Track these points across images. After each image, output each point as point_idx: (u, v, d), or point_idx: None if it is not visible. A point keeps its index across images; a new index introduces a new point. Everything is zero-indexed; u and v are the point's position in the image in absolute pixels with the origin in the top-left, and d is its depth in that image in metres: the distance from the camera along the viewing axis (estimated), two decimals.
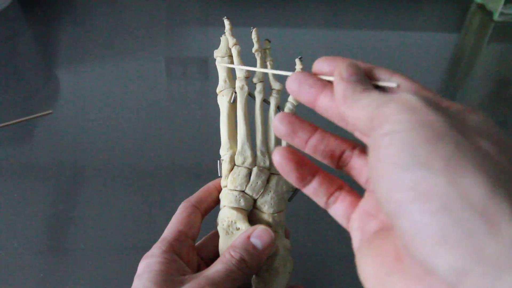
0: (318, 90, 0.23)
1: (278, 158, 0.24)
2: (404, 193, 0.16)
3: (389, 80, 0.21)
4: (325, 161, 0.25)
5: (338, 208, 0.25)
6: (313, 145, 0.24)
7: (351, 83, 0.21)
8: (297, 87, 0.24)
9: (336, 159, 0.24)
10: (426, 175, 0.16)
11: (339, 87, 0.21)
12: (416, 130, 0.17)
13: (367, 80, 0.21)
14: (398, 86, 0.21)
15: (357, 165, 0.24)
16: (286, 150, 0.24)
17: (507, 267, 0.14)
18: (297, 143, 0.24)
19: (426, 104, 0.18)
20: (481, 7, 0.96)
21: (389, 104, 0.18)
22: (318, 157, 0.25)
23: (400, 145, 0.17)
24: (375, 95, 0.20)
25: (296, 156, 0.24)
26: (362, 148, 0.24)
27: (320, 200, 0.25)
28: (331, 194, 0.25)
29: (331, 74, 0.23)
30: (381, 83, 0.21)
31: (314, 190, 0.25)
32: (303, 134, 0.24)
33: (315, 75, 0.24)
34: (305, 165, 0.24)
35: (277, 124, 0.24)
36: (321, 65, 0.24)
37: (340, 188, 0.25)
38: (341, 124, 0.22)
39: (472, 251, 0.14)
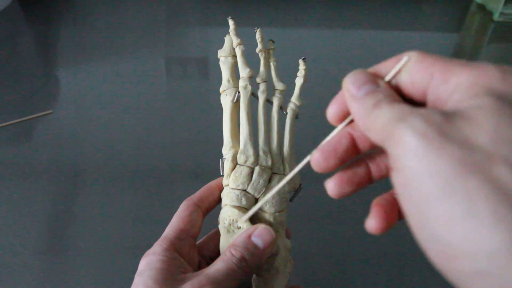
0: (351, 143, 0.22)
1: (379, 231, 0.22)
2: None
3: (395, 68, 0.20)
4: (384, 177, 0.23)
5: None
6: (378, 175, 0.23)
7: (361, 99, 0.20)
8: (337, 161, 0.22)
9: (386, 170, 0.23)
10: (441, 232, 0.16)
11: (352, 108, 0.20)
12: (423, 182, 0.16)
13: (377, 85, 0.20)
14: (409, 59, 0.20)
15: None
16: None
17: None
18: (365, 185, 0.23)
19: (430, 140, 0.16)
20: (481, 7, 0.96)
21: (393, 142, 0.18)
22: (387, 177, 0.22)
23: (415, 202, 0.17)
24: (385, 115, 0.18)
25: (384, 213, 0.22)
26: None
27: None
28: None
29: (346, 114, 0.22)
30: (391, 74, 0.20)
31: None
32: (363, 177, 0.23)
33: (333, 138, 0.22)
34: (391, 208, 0.23)
35: (340, 192, 0.23)
36: (333, 111, 0.22)
37: None
38: None
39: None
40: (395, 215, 0.23)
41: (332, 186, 0.23)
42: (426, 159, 0.16)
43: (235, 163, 0.33)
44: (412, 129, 0.17)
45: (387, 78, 0.20)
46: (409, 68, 0.20)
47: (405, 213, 0.18)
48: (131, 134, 0.61)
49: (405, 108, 0.18)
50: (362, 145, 0.22)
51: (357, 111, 0.20)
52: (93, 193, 0.53)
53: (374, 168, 0.23)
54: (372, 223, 0.22)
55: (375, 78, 0.20)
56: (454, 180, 0.15)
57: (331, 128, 0.25)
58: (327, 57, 0.79)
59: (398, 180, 0.18)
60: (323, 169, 0.22)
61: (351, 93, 0.20)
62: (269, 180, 0.33)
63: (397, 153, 0.17)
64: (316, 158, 0.22)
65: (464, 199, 0.15)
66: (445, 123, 0.16)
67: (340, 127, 0.22)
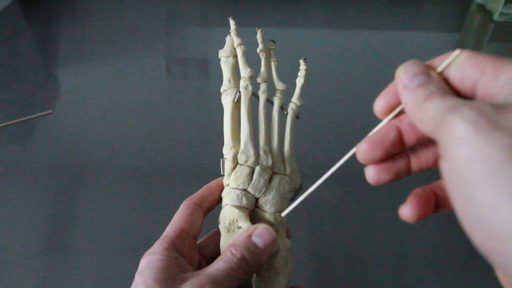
0: (398, 135, 0.22)
1: (415, 220, 0.23)
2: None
3: (447, 59, 0.21)
4: (434, 168, 0.23)
5: None
6: (417, 168, 0.23)
7: (413, 90, 0.20)
8: (383, 152, 0.22)
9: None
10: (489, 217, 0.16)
11: (404, 99, 0.21)
12: (471, 167, 0.17)
13: (430, 76, 0.21)
14: (462, 52, 0.20)
15: None
16: (411, 208, 0.23)
17: None
18: (403, 176, 0.23)
19: (481, 128, 0.17)
20: (481, 7, 0.96)
21: (444, 130, 0.18)
22: (426, 170, 0.24)
23: (463, 189, 0.17)
24: (436, 106, 0.19)
25: (420, 203, 0.23)
26: None
27: (449, 210, 0.24)
28: None
29: (394, 106, 0.22)
30: (443, 65, 0.21)
31: (443, 210, 0.24)
32: (402, 167, 0.23)
33: (380, 131, 0.23)
34: (428, 199, 0.23)
35: (378, 179, 0.23)
36: (382, 103, 0.23)
37: None
38: None
39: None
40: (430, 207, 0.23)
41: (371, 173, 0.23)
42: (475, 145, 0.17)
43: (235, 163, 0.33)
44: (463, 118, 0.17)
45: (439, 69, 0.21)
46: (460, 64, 0.20)
47: (451, 199, 0.19)
48: (131, 134, 0.61)
49: (456, 100, 0.19)
50: (408, 138, 0.23)
51: (408, 101, 0.21)
52: (93, 193, 0.53)
53: (415, 160, 0.23)
54: (406, 210, 0.23)
55: (428, 69, 0.21)
56: (501, 165, 0.16)
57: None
58: (327, 57, 0.79)
59: (447, 167, 0.18)
60: (369, 161, 0.23)
61: (404, 84, 0.21)
62: (270, 180, 0.33)
63: (447, 141, 0.18)
64: (362, 149, 0.23)
65: (510, 182, 0.16)
66: (495, 114, 0.17)
67: (389, 117, 0.23)
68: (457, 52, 0.20)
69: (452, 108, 0.18)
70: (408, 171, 0.23)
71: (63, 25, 0.85)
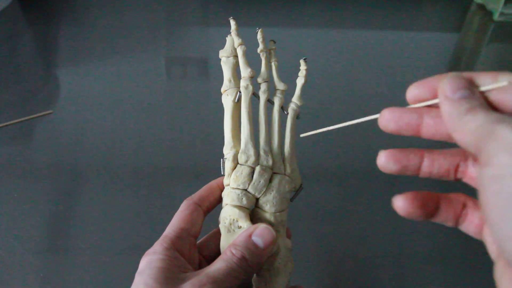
0: (417, 122, 0.23)
1: (405, 213, 0.23)
2: None
3: (494, 82, 0.21)
4: (442, 179, 0.24)
5: (469, 226, 0.24)
6: (427, 171, 0.24)
7: (455, 101, 0.21)
8: (395, 127, 0.23)
9: (453, 174, 0.24)
10: None
11: (444, 108, 0.21)
12: None
13: (473, 92, 0.21)
14: (510, 83, 0.21)
15: (475, 175, 0.24)
16: (405, 199, 0.23)
17: None
18: (410, 173, 0.24)
19: None
20: (481, 7, 0.96)
21: (491, 139, 0.19)
22: (434, 177, 0.24)
23: (505, 195, 0.18)
24: (480, 118, 0.20)
25: (416, 199, 0.23)
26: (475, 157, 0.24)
27: (449, 223, 0.25)
28: (458, 215, 0.24)
29: (425, 99, 0.23)
30: (488, 88, 0.21)
31: (442, 219, 0.24)
32: (412, 164, 0.24)
33: (405, 108, 0.23)
34: (427, 200, 0.24)
35: (385, 166, 0.24)
36: (415, 91, 0.23)
37: (464, 205, 0.25)
38: (451, 141, 0.22)
39: None
40: (426, 210, 0.23)
41: (382, 158, 0.24)
42: None
43: (236, 163, 0.33)
44: (504, 136, 0.18)
45: (482, 89, 0.21)
46: (504, 87, 0.21)
47: (486, 208, 0.19)
48: (131, 134, 0.61)
49: (501, 114, 0.20)
50: (426, 131, 0.23)
51: (449, 111, 0.21)
52: (93, 193, 0.53)
53: (428, 162, 0.24)
54: (400, 200, 0.23)
55: (471, 86, 0.21)
56: None
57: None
58: (327, 57, 0.79)
59: (489, 174, 0.19)
60: (383, 127, 0.24)
61: (446, 94, 0.21)
62: (270, 180, 0.33)
63: (494, 148, 0.18)
64: (383, 115, 0.24)
65: None
66: None
67: (418, 105, 0.23)
68: (505, 83, 0.21)
69: (500, 120, 0.19)
70: (417, 170, 0.24)
71: (63, 25, 0.85)
